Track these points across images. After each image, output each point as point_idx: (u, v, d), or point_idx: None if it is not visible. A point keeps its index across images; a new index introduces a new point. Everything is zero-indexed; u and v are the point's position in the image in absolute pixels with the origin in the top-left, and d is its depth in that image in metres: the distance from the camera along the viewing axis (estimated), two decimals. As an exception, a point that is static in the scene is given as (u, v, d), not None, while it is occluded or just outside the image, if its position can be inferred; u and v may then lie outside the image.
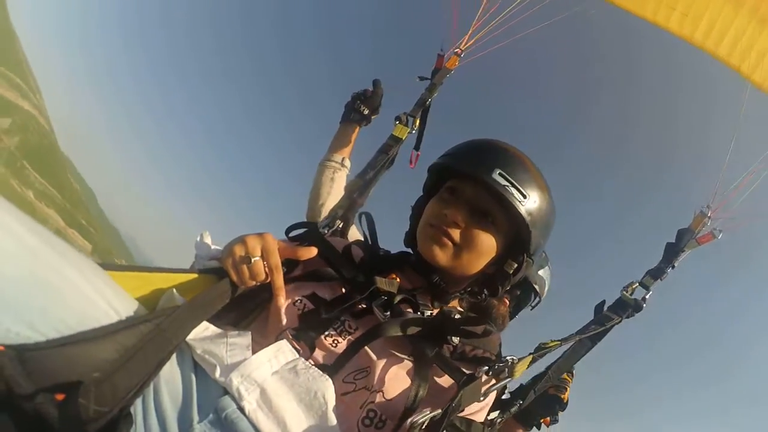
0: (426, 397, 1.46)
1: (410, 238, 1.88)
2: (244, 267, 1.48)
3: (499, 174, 1.61)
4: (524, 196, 1.62)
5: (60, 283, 1.08)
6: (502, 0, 2.64)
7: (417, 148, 2.56)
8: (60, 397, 1.06)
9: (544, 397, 2.01)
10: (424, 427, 1.41)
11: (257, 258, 1.49)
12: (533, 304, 3.00)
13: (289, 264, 1.67)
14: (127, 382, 1.17)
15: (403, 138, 2.46)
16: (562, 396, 2.04)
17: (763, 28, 2.61)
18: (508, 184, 1.60)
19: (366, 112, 2.71)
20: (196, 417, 1.26)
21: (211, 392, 1.31)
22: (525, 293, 2.94)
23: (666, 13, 2.80)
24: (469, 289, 1.83)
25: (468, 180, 1.69)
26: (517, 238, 1.72)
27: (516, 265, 1.75)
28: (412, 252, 1.86)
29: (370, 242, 1.94)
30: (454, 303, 1.86)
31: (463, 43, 2.68)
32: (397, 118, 2.50)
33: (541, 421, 2.06)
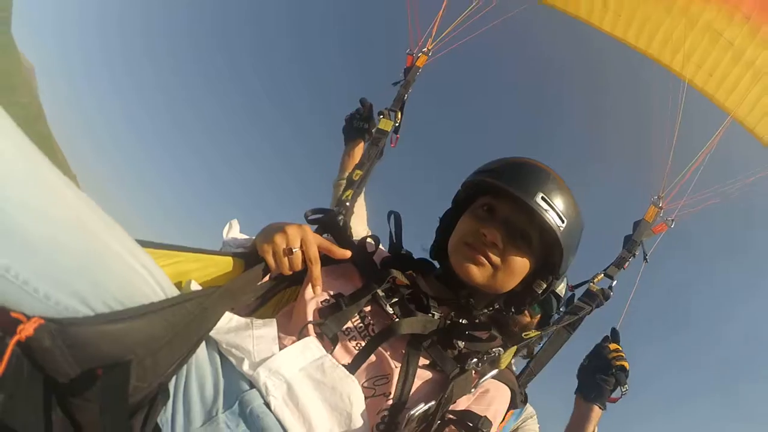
0: (424, 393, 1.48)
1: (438, 252, 1.90)
2: (283, 257, 1.55)
3: (542, 198, 1.61)
4: (562, 221, 1.64)
5: (111, 256, 1.03)
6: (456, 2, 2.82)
7: (396, 132, 2.67)
8: (99, 372, 1.00)
9: (609, 370, 2.03)
10: (421, 419, 1.43)
11: (297, 249, 1.55)
12: (559, 309, 3.00)
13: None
14: (169, 359, 1.16)
15: (389, 130, 2.59)
16: (625, 363, 2.04)
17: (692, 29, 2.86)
18: (549, 208, 1.61)
19: (366, 126, 2.85)
20: (220, 406, 1.25)
21: (236, 383, 1.30)
22: (548, 303, 2.98)
23: (601, 16, 3.02)
24: (496, 306, 1.85)
25: (506, 199, 1.66)
26: (548, 259, 1.74)
27: (545, 286, 1.79)
28: (439, 264, 1.89)
29: (395, 240, 1.95)
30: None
31: (429, 42, 2.82)
32: (380, 113, 2.65)
33: (610, 399, 2.05)
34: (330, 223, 1.92)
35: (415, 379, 1.48)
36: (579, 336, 2.13)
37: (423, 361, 1.55)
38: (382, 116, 2.64)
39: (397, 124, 2.64)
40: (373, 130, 2.79)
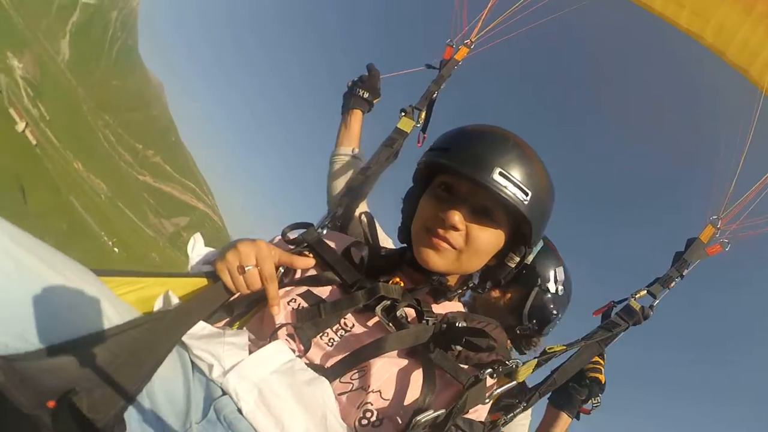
0: (429, 397, 1.45)
1: (404, 234, 1.83)
2: (238, 275, 1.48)
3: (500, 173, 1.52)
4: (526, 194, 1.55)
5: (49, 293, 1.03)
6: None
7: (423, 131, 2.50)
8: (51, 404, 1.01)
9: (582, 380, 1.99)
10: (427, 426, 1.41)
11: (250, 267, 1.48)
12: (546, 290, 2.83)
13: (287, 268, 1.68)
14: (120, 388, 1.15)
15: (408, 131, 2.39)
16: (600, 377, 2.00)
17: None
18: (509, 183, 1.53)
19: (366, 95, 2.65)
20: (194, 417, 1.24)
21: (209, 392, 1.30)
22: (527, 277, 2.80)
23: (676, 11, 2.77)
24: (470, 284, 1.80)
25: (464, 177, 1.58)
26: (518, 231, 1.67)
27: (518, 259, 1.72)
28: (408, 249, 1.80)
29: (371, 242, 1.89)
30: (455, 301, 1.83)
31: (474, 33, 2.62)
32: (403, 111, 2.43)
33: (579, 411, 2.02)
34: (308, 239, 1.80)
35: (423, 380, 1.47)
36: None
37: (429, 364, 1.52)
38: (403, 114, 2.41)
39: (418, 125, 2.44)
40: (375, 102, 2.66)
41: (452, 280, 1.77)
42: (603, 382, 2.02)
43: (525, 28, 2.67)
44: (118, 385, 1.14)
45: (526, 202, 1.55)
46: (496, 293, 2.63)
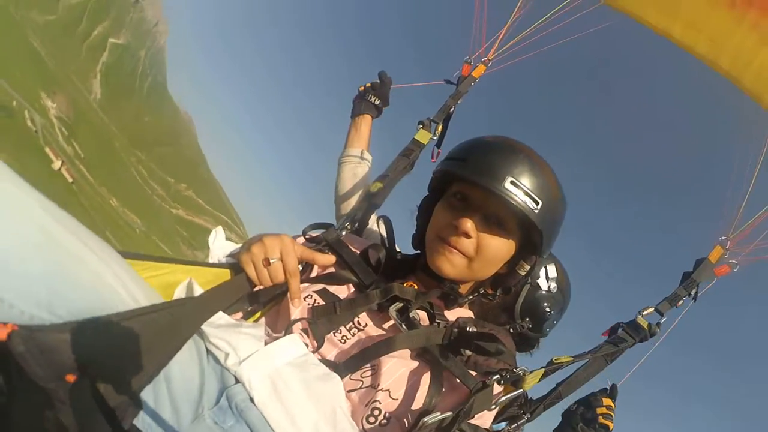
0: (436, 399, 1.47)
1: (419, 241, 1.88)
2: (263, 268, 1.51)
3: (511, 182, 1.57)
4: (536, 203, 1.59)
5: (78, 267, 1.06)
6: (531, 10, 2.68)
7: (438, 146, 2.54)
8: (70, 378, 1.03)
9: (593, 424, 1.96)
10: (433, 428, 1.42)
11: (275, 260, 1.51)
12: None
13: (306, 265, 1.70)
14: (139, 366, 1.17)
15: (425, 143, 2.44)
16: (610, 424, 1.97)
17: None
18: (520, 192, 1.57)
19: (377, 102, 2.73)
20: (207, 403, 1.26)
21: (222, 380, 1.32)
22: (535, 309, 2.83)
23: (691, 35, 2.80)
24: (481, 291, 1.83)
25: (477, 186, 1.63)
26: (529, 240, 1.71)
27: (528, 267, 1.76)
28: (422, 255, 1.84)
29: (387, 245, 1.92)
30: (466, 308, 1.86)
31: (491, 52, 2.69)
32: (420, 123, 2.49)
33: None
34: (329, 242, 1.85)
35: (431, 383, 1.49)
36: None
37: (439, 367, 1.54)
38: (421, 126, 2.47)
39: (435, 138, 2.49)
40: (383, 109, 2.73)
41: (464, 288, 1.81)
42: (611, 430, 1.99)
43: (542, 48, 2.73)
44: (139, 364, 1.16)
45: (536, 211, 1.59)
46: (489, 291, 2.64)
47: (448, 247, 1.66)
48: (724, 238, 2.45)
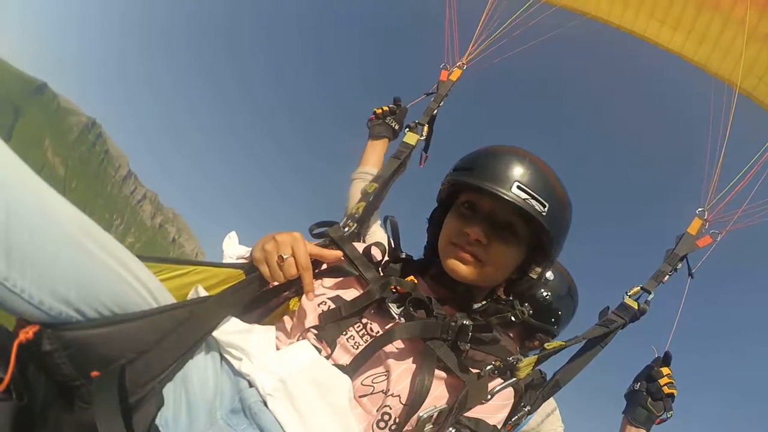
0: (435, 396, 1.49)
1: (430, 251, 1.90)
2: (276, 265, 1.54)
3: (518, 187, 1.60)
4: (544, 206, 1.62)
5: (101, 268, 1.12)
6: (499, 16, 2.76)
7: (425, 150, 2.64)
8: (95, 374, 1.11)
9: (659, 395, 2.06)
10: (432, 421, 1.46)
11: (288, 256, 1.54)
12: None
13: (314, 261, 1.70)
14: (161, 363, 1.24)
15: (414, 144, 2.55)
16: (674, 391, 2.08)
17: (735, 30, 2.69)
18: (528, 197, 1.60)
19: (397, 128, 2.82)
20: (221, 405, 1.32)
21: (236, 383, 1.37)
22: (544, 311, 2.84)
23: (645, 24, 2.90)
24: (495, 297, 1.84)
25: (485, 194, 1.65)
26: (539, 243, 1.72)
27: (540, 270, 1.79)
28: (433, 264, 1.86)
29: (393, 245, 1.95)
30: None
31: (465, 57, 2.78)
32: (407, 126, 2.62)
33: (657, 422, 2.09)
34: (332, 235, 1.89)
35: (433, 381, 1.49)
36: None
37: (437, 364, 1.54)
38: (408, 129, 2.62)
39: (422, 138, 2.60)
40: (398, 129, 2.79)
41: (477, 296, 1.81)
42: (675, 395, 2.07)
43: (514, 51, 2.85)
44: (161, 359, 1.24)
45: (544, 213, 1.61)
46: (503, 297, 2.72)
47: (461, 251, 1.67)
48: (701, 209, 2.53)
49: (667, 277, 2.35)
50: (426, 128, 2.65)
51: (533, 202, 1.60)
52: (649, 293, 2.25)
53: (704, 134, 2.69)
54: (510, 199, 1.58)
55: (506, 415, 1.66)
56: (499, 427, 1.61)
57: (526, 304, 2.39)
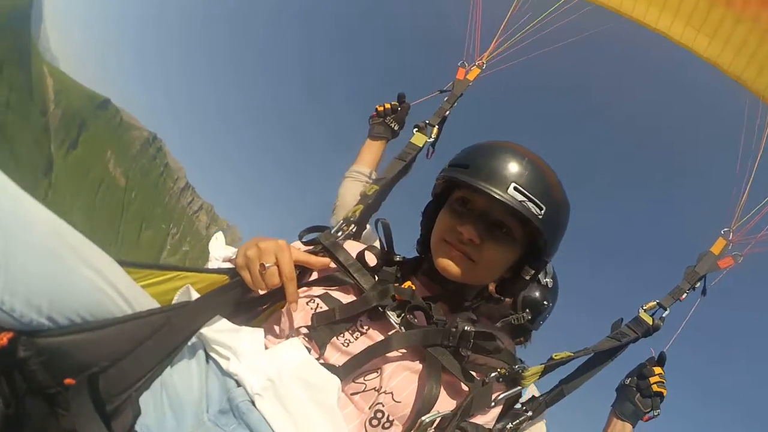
0: (438, 402, 1.45)
1: (423, 246, 1.87)
2: (258, 273, 1.51)
3: (515, 188, 1.56)
4: (540, 208, 1.58)
5: (73, 275, 1.10)
6: (526, 13, 2.69)
7: (433, 146, 2.56)
8: (69, 381, 1.10)
9: (648, 393, 2.04)
10: (434, 426, 1.42)
11: (271, 265, 1.50)
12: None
13: (303, 268, 1.70)
14: (137, 370, 1.23)
15: (421, 146, 2.45)
16: (664, 391, 2.05)
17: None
18: (524, 198, 1.56)
19: (397, 128, 2.76)
20: (208, 406, 1.30)
21: (223, 383, 1.35)
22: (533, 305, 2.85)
23: (681, 30, 2.81)
24: (486, 295, 1.83)
25: (480, 192, 1.60)
26: (533, 244, 1.69)
27: (533, 272, 1.75)
28: (425, 259, 1.85)
29: (386, 248, 1.90)
30: (470, 313, 1.82)
31: (485, 56, 2.70)
32: (416, 126, 2.51)
33: (644, 419, 2.07)
34: (325, 245, 1.83)
35: (440, 386, 1.47)
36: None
37: (444, 374, 1.52)
38: (417, 129, 2.50)
39: (431, 140, 2.51)
40: (398, 129, 2.73)
41: (468, 294, 1.80)
42: (665, 396, 2.06)
43: (537, 52, 2.76)
44: (138, 364, 1.22)
45: (540, 216, 1.57)
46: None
47: (452, 248, 1.64)
48: (726, 230, 2.45)
49: (685, 295, 2.29)
50: (435, 129, 2.54)
51: (530, 204, 1.56)
52: (665, 309, 2.21)
53: (737, 152, 2.58)
54: (506, 201, 1.55)
55: (498, 412, 1.64)
56: (492, 427, 1.60)
57: (527, 310, 2.30)
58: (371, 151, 2.75)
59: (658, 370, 2.06)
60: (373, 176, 2.68)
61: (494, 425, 1.61)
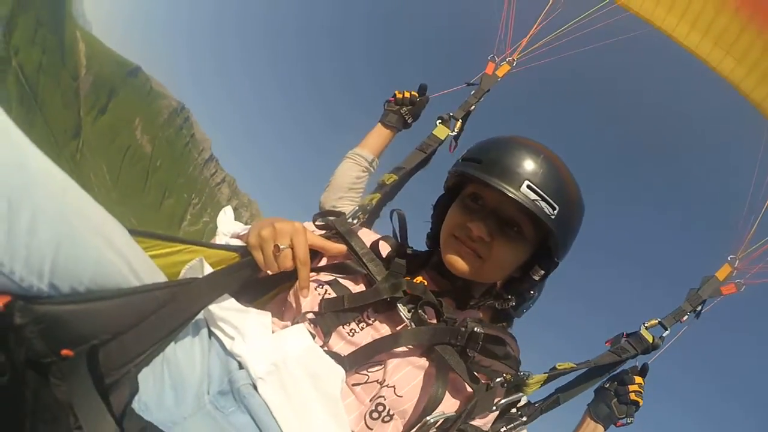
0: (443, 403, 1.44)
1: (433, 240, 1.85)
2: (271, 254, 1.47)
3: (528, 186, 1.51)
4: (554, 208, 1.53)
5: (81, 241, 1.04)
6: (560, 12, 2.69)
7: (456, 140, 2.53)
8: (67, 352, 1.03)
9: (625, 399, 2.06)
10: (436, 427, 1.41)
11: (285, 247, 1.47)
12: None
13: (314, 253, 1.64)
14: (138, 346, 1.17)
15: (443, 139, 2.42)
16: (640, 401, 2.08)
17: None
18: (537, 198, 1.51)
19: (410, 120, 2.68)
20: (209, 387, 1.27)
21: (225, 364, 1.32)
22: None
23: (709, 50, 2.80)
24: (494, 292, 1.78)
25: (493, 189, 1.55)
26: (544, 244, 1.65)
27: (543, 272, 1.69)
28: (434, 253, 1.82)
29: (399, 240, 1.88)
30: (477, 310, 1.80)
31: (517, 52, 2.68)
32: (440, 118, 2.49)
33: (617, 424, 2.09)
34: (339, 228, 1.80)
35: (446, 388, 1.45)
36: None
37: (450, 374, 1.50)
38: (440, 121, 2.48)
39: (454, 134, 2.51)
40: (411, 122, 2.67)
41: (476, 291, 1.76)
42: (640, 405, 2.08)
43: (569, 52, 2.74)
44: (138, 342, 1.16)
45: (553, 216, 1.53)
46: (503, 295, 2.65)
47: (462, 245, 1.61)
48: (733, 257, 2.46)
49: (686, 316, 2.32)
50: (459, 123, 2.52)
51: (543, 204, 1.52)
52: (666, 329, 2.25)
53: (750, 180, 2.58)
54: (518, 200, 1.50)
55: (495, 417, 1.63)
56: (486, 429, 1.58)
57: (511, 296, 2.31)
58: (379, 138, 2.67)
59: (638, 379, 2.07)
60: (375, 164, 2.63)
61: (491, 426, 1.60)
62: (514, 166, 1.54)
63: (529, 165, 1.54)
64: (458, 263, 1.61)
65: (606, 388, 2.07)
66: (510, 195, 1.50)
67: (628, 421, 2.05)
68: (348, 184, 2.48)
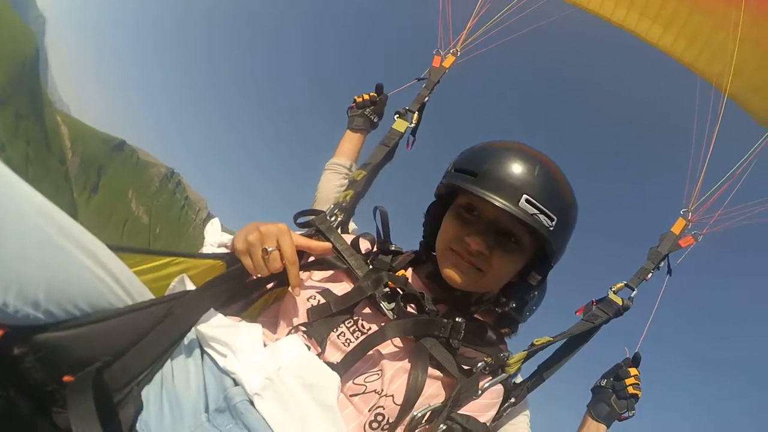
0: (428, 394, 1.48)
1: (426, 249, 1.86)
2: (260, 258, 1.47)
3: (526, 200, 1.50)
4: (552, 219, 1.54)
5: (72, 265, 1.04)
6: (496, 2, 2.85)
7: (413, 134, 2.63)
8: (68, 378, 1.04)
9: (623, 394, 2.08)
10: (424, 420, 1.45)
11: (273, 249, 1.47)
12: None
13: (300, 252, 1.62)
14: (139, 364, 1.20)
15: (403, 131, 2.52)
16: (639, 393, 2.10)
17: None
18: (536, 211, 1.51)
19: (376, 120, 2.79)
20: (205, 405, 1.27)
21: (220, 382, 1.31)
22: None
23: (636, 20, 3.01)
24: (493, 298, 1.78)
25: (488, 202, 1.53)
26: (541, 252, 1.67)
27: (539, 277, 1.72)
28: (429, 260, 1.83)
29: (382, 236, 1.90)
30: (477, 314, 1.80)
31: (459, 43, 2.83)
32: (397, 113, 2.59)
33: (620, 419, 2.10)
34: (319, 225, 1.84)
35: (426, 379, 1.46)
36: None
37: (431, 362, 1.52)
38: (398, 116, 2.58)
39: (413, 126, 2.61)
40: (377, 121, 2.77)
41: (475, 299, 1.77)
42: (640, 397, 2.09)
43: (507, 38, 2.91)
44: (139, 359, 1.18)
45: (551, 228, 1.54)
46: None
47: (460, 258, 1.61)
48: (685, 210, 2.55)
49: (650, 274, 2.39)
50: (416, 116, 2.63)
51: (541, 217, 1.52)
52: (633, 289, 2.29)
53: (691, 135, 2.69)
54: (518, 215, 1.50)
55: (495, 412, 1.66)
56: (488, 424, 1.60)
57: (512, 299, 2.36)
58: (351, 144, 2.76)
59: (633, 371, 2.10)
60: (353, 168, 2.67)
61: (487, 413, 1.61)
62: (510, 179, 1.53)
63: (525, 177, 1.53)
64: (457, 277, 1.62)
65: (603, 387, 2.11)
66: (509, 210, 1.50)
67: (630, 414, 2.08)
68: (333, 193, 2.53)
